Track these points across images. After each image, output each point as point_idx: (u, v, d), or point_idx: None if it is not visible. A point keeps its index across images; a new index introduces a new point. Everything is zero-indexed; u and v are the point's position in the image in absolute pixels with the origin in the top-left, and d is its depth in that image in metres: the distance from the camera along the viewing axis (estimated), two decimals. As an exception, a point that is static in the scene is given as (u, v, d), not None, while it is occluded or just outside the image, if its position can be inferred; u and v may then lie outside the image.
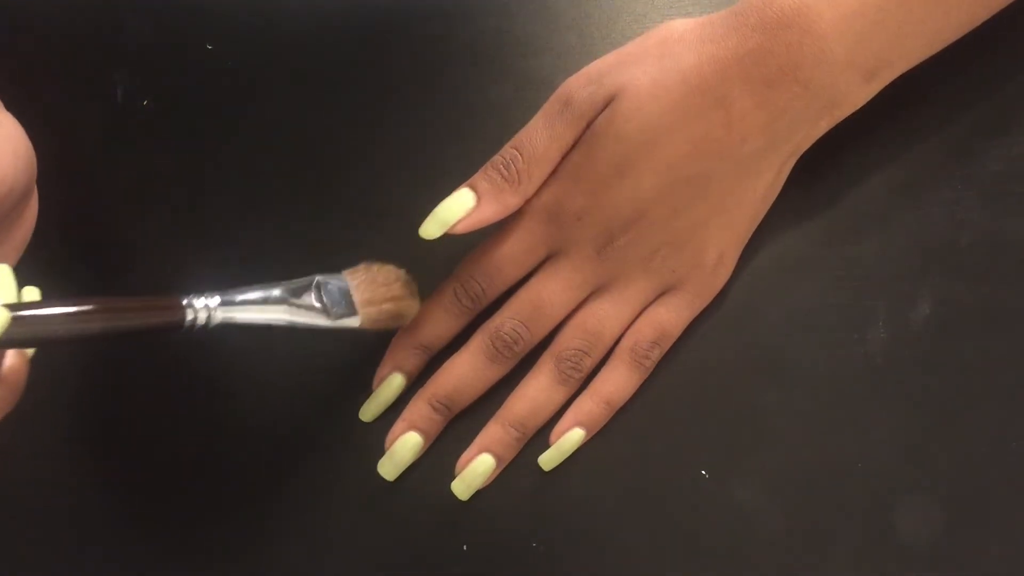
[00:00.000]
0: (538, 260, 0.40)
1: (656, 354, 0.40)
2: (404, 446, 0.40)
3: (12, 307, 0.29)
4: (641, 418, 0.40)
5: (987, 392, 0.40)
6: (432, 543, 0.39)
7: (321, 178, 0.44)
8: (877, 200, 0.42)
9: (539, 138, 0.39)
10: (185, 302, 0.34)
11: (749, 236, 0.41)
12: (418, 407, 0.40)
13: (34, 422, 0.41)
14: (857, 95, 0.38)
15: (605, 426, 0.40)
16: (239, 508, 0.40)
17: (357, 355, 0.41)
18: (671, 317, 0.40)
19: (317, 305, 0.36)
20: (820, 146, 0.43)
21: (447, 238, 0.40)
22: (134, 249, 0.43)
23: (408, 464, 0.40)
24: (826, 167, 0.43)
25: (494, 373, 0.40)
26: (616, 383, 0.40)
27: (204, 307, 0.34)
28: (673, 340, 0.40)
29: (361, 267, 0.38)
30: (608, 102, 0.38)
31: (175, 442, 0.41)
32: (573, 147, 0.39)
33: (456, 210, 0.38)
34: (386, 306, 0.38)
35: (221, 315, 0.34)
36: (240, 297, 0.35)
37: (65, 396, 0.41)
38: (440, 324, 0.41)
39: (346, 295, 0.37)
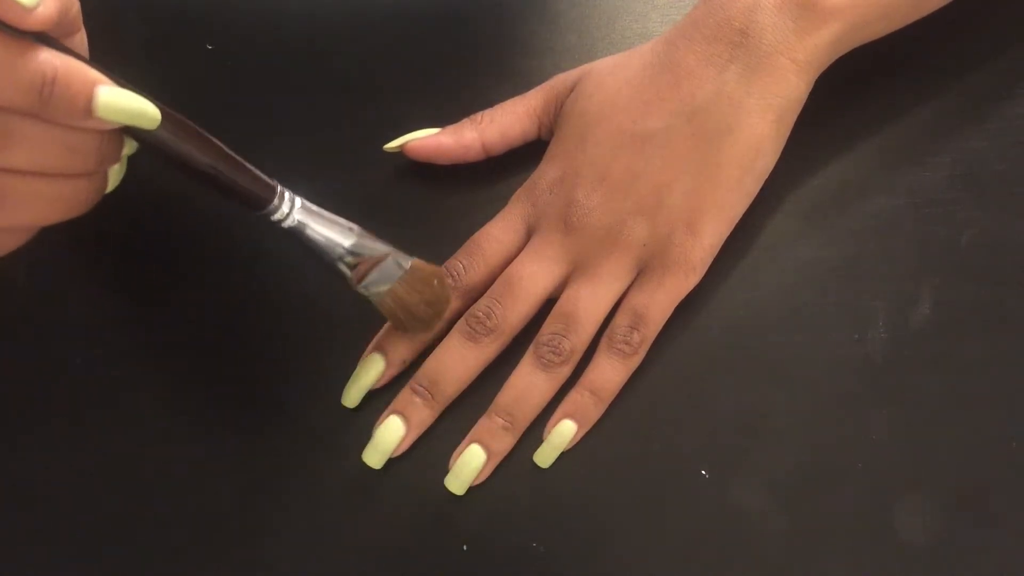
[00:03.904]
0: (518, 237, 0.42)
1: (637, 339, 0.40)
2: (386, 430, 0.40)
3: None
4: (641, 418, 0.40)
5: (987, 392, 0.40)
6: (432, 543, 0.39)
7: (321, 178, 0.44)
8: (877, 200, 0.42)
9: (509, 99, 0.43)
10: (279, 189, 0.35)
11: (731, 210, 0.40)
12: (401, 393, 0.40)
13: (32, 422, 0.41)
14: (807, 32, 0.38)
15: (605, 426, 0.40)
16: (234, 510, 0.40)
17: (350, 351, 0.41)
18: (644, 299, 0.40)
19: (367, 266, 0.37)
20: (820, 145, 0.43)
21: (447, 239, 0.41)
22: (133, 250, 0.44)
23: (391, 450, 0.40)
24: (826, 167, 0.43)
25: (474, 354, 0.40)
26: (600, 372, 0.40)
27: (289, 201, 0.36)
28: (655, 324, 0.40)
29: (427, 272, 0.39)
30: (576, 82, 0.42)
31: (165, 438, 0.41)
32: (545, 118, 0.43)
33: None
34: (401, 314, 0.38)
35: (298, 217, 0.36)
36: (320, 210, 0.37)
37: (62, 395, 0.41)
38: None
39: (390, 279, 0.38)
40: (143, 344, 0.42)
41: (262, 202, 0.35)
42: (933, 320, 0.40)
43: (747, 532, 0.38)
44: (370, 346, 0.41)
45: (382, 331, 0.41)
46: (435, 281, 0.39)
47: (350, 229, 0.37)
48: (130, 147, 0.34)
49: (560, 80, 0.43)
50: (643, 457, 0.40)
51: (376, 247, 0.37)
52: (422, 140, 0.43)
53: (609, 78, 0.41)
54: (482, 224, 0.42)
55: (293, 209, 0.36)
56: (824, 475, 0.39)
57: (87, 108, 0.30)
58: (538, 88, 0.43)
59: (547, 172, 0.41)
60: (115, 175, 0.35)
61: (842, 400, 0.40)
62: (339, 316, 0.42)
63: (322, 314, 0.42)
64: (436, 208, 0.44)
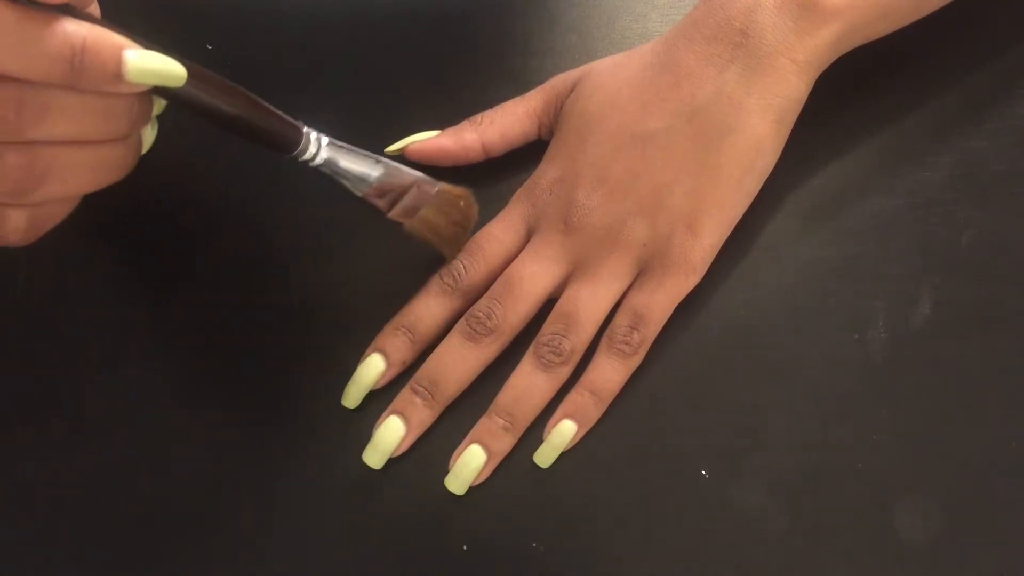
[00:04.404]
0: (519, 238, 0.42)
1: (637, 339, 0.40)
2: (386, 430, 0.40)
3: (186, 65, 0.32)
4: (641, 418, 0.40)
5: (987, 392, 0.40)
6: (432, 543, 0.39)
7: (321, 178, 0.44)
8: (877, 200, 0.42)
9: (509, 100, 0.43)
10: (305, 129, 0.36)
11: (731, 210, 0.40)
12: (401, 393, 0.41)
13: (31, 423, 0.41)
14: (807, 33, 0.38)
15: (605, 426, 0.40)
16: (234, 509, 0.40)
17: (352, 351, 0.41)
18: (644, 299, 0.40)
19: (397, 194, 0.39)
20: (820, 145, 0.43)
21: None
22: (133, 250, 0.44)
23: (391, 450, 0.40)
24: (826, 167, 0.43)
25: (474, 354, 0.40)
26: (599, 372, 0.40)
27: (316, 140, 0.36)
28: (655, 324, 0.40)
29: (454, 194, 0.40)
30: (576, 83, 0.42)
31: (164, 438, 0.41)
32: (545, 118, 0.43)
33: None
34: (430, 236, 0.40)
35: (327, 153, 0.37)
36: (346, 145, 0.37)
37: (61, 396, 0.41)
38: (422, 305, 0.41)
39: (419, 204, 0.39)
40: (142, 345, 0.42)
41: (291, 144, 0.36)
42: (933, 320, 0.40)
43: (747, 532, 0.38)
44: (370, 346, 0.41)
45: (382, 331, 0.41)
46: (461, 202, 0.40)
47: (377, 161, 0.38)
48: (159, 106, 0.35)
49: (560, 80, 0.43)
50: (643, 457, 0.40)
51: (403, 176, 0.39)
52: (423, 143, 0.43)
53: (609, 78, 0.41)
54: (482, 224, 0.42)
55: (320, 148, 0.37)
56: (824, 475, 0.39)
57: (117, 73, 0.30)
58: (538, 89, 0.43)
59: (547, 172, 0.42)
60: (148, 136, 0.36)
61: (842, 400, 0.40)
62: (339, 316, 0.42)
63: (322, 314, 0.42)
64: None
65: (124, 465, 0.40)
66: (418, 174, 0.39)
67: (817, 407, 0.40)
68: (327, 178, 0.38)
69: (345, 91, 0.45)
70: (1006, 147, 0.43)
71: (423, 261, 0.42)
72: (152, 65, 0.31)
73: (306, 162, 0.37)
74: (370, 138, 0.43)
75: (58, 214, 0.34)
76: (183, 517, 0.40)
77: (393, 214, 0.39)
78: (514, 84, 0.44)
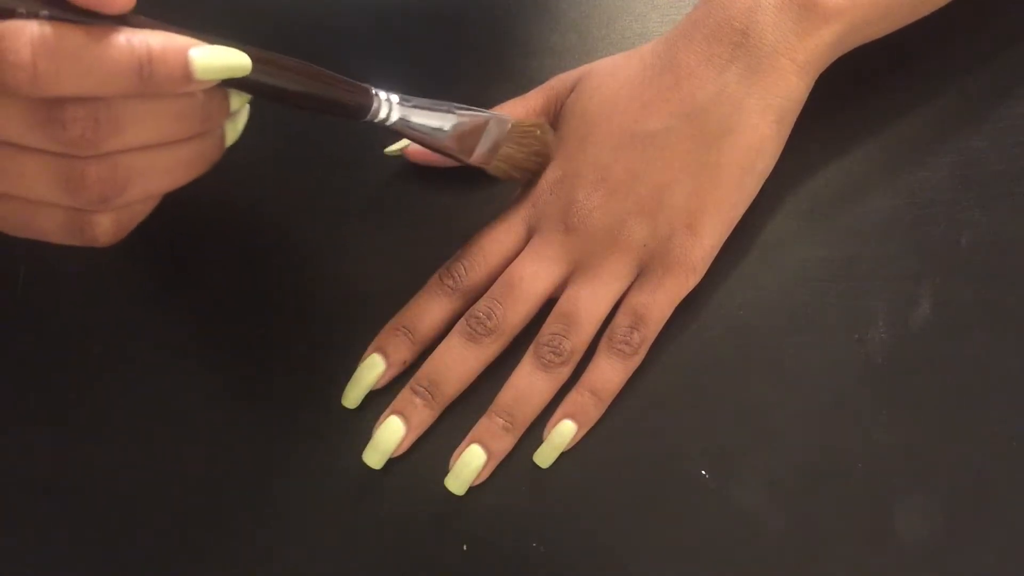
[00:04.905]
0: (519, 238, 0.41)
1: (637, 339, 0.40)
2: (386, 430, 0.40)
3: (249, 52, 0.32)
4: (641, 418, 0.40)
5: (987, 392, 0.40)
6: (432, 543, 0.39)
7: (321, 178, 0.44)
8: (877, 200, 0.42)
9: (509, 100, 0.43)
10: (374, 90, 0.36)
11: (731, 211, 0.40)
12: (401, 393, 0.41)
13: (31, 423, 0.41)
14: (807, 33, 0.38)
15: (604, 426, 0.40)
16: (234, 509, 0.40)
17: (352, 351, 0.41)
18: (644, 299, 0.40)
19: (474, 138, 0.39)
20: (820, 145, 0.43)
21: (447, 239, 0.40)
22: (132, 250, 0.43)
23: (391, 450, 0.40)
24: (826, 167, 0.43)
25: (474, 354, 0.40)
26: (599, 372, 0.40)
27: (387, 100, 0.37)
28: (655, 324, 0.40)
29: (528, 125, 0.41)
30: (576, 83, 0.42)
31: (164, 438, 0.41)
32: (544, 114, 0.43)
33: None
34: (514, 172, 0.41)
35: (399, 112, 0.37)
36: (415, 100, 0.38)
37: (60, 396, 0.41)
38: (422, 305, 0.41)
39: (497, 143, 0.40)
40: (142, 345, 0.42)
41: (363, 111, 0.36)
42: (933, 320, 0.40)
43: (747, 532, 0.38)
44: (370, 347, 0.41)
45: (382, 331, 0.41)
46: (537, 131, 0.41)
47: (448, 111, 0.39)
48: (242, 99, 0.35)
49: (560, 80, 0.43)
50: (643, 457, 0.40)
51: (476, 117, 0.39)
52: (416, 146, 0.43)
53: (609, 79, 0.41)
54: (482, 224, 0.42)
55: (392, 108, 0.37)
56: (824, 475, 0.39)
57: (187, 76, 0.30)
58: (538, 89, 0.43)
59: (547, 173, 0.41)
60: (233, 127, 0.35)
61: (842, 400, 0.40)
62: (339, 316, 0.42)
63: (322, 314, 0.42)
64: (436, 208, 0.44)
65: (124, 465, 0.40)
66: (490, 113, 0.40)
67: (817, 407, 0.40)
68: (403, 133, 0.38)
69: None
70: (1006, 147, 0.43)
71: (423, 261, 0.42)
72: (218, 60, 0.31)
73: (381, 123, 0.37)
74: (370, 138, 0.43)
75: (143, 212, 0.34)
76: (183, 517, 0.40)
77: (474, 160, 0.40)
78: (514, 84, 0.44)
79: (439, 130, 0.38)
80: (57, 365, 0.42)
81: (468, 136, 0.39)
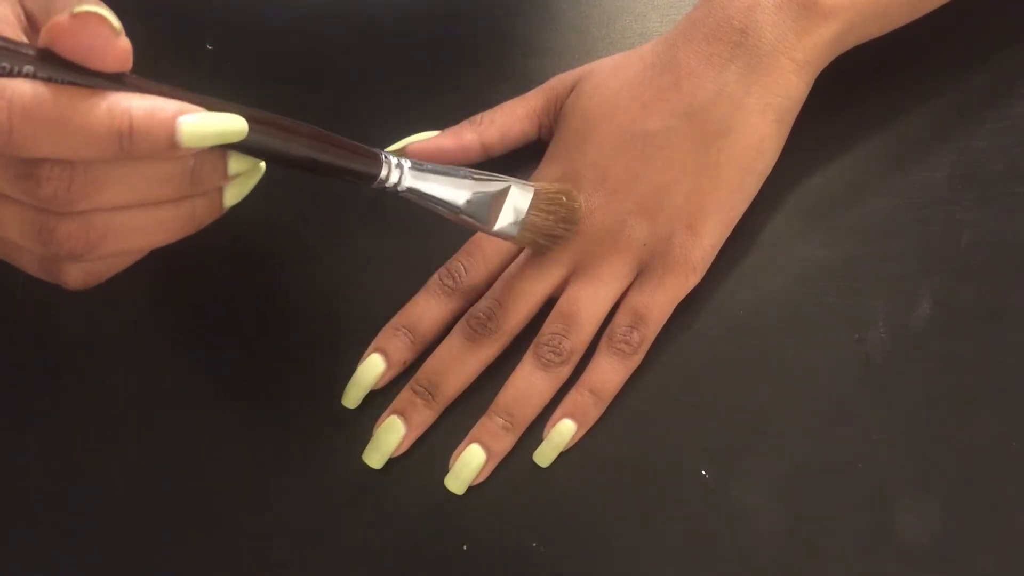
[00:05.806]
0: None
1: (637, 339, 0.40)
2: (386, 430, 0.40)
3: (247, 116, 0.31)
4: (641, 418, 0.40)
5: (987, 392, 0.40)
6: (432, 543, 0.39)
7: (322, 179, 0.44)
8: (877, 200, 0.42)
9: (509, 100, 0.43)
10: (384, 156, 0.35)
11: (732, 210, 0.40)
12: (401, 394, 0.41)
13: (30, 424, 0.41)
14: (807, 32, 0.38)
15: (605, 426, 0.40)
16: (234, 509, 0.40)
17: (352, 351, 0.41)
18: (644, 299, 0.40)
19: (495, 208, 0.37)
20: (820, 145, 0.43)
21: (447, 240, 0.40)
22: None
23: (391, 450, 0.40)
24: (826, 167, 0.43)
25: (474, 355, 0.40)
26: (599, 372, 0.40)
27: (398, 166, 0.35)
28: (655, 324, 0.40)
29: (553, 191, 0.39)
30: (576, 83, 0.42)
31: (164, 438, 0.41)
32: (544, 118, 0.43)
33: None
34: (542, 241, 0.39)
35: (411, 179, 0.35)
36: (430, 166, 0.36)
37: (60, 397, 0.41)
38: (422, 305, 0.41)
39: (520, 212, 0.38)
40: (141, 346, 0.42)
41: (370, 177, 0.34)
42: (933, 320, 0.40)
43: (747, 532, 0.38)
44: (370, 347, 0.41)
45: (382, 331, 0.41)
46: (563, 198, 0.39)
47: (464, 178, 0.37)
48: (247, 162, 0.33)
49: (560, 80, 0.43)
50: (643, 457, 0.40)
51: (495, 187, 0.37)
52: (423, 143, 0.43)
53: (609, 78, 0.41)
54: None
55: (404, 173, 0.35)
56: (824, 475, 0.39)
57: (171, 144, 0.29)
58: (538, 89, 0.43)
59: (547, 173, 0.41)
60: (237, 189, 0.34)
61: (842, 400, 0.40)
62: (339, 316, 0.42)
63: (322, 314, 0.42)
64: (436, 208, 0.44)
65: (124, 465, 0.40)
66: (511, 179, 0.38)
67: (817, 407, 0.40)
68: (416, 205, 0.36)
69: (345, 90, 0.45)
70: (1006, 147, 0.43)
71: (423, 261, 0.42)
72: (209, 127, 0.29)
73: (392, 188, 0.35)
74: (370, 138, 0.43)
75: (120, 265, 0.33)
76: (183, 517, 0.40)
77: (496, 231, 0.38)
78: (514, 84, 0.44)
79: (453, 202, 0.36)
80: (57, 366, 0.42)
81: (488, 206, 0.37)
